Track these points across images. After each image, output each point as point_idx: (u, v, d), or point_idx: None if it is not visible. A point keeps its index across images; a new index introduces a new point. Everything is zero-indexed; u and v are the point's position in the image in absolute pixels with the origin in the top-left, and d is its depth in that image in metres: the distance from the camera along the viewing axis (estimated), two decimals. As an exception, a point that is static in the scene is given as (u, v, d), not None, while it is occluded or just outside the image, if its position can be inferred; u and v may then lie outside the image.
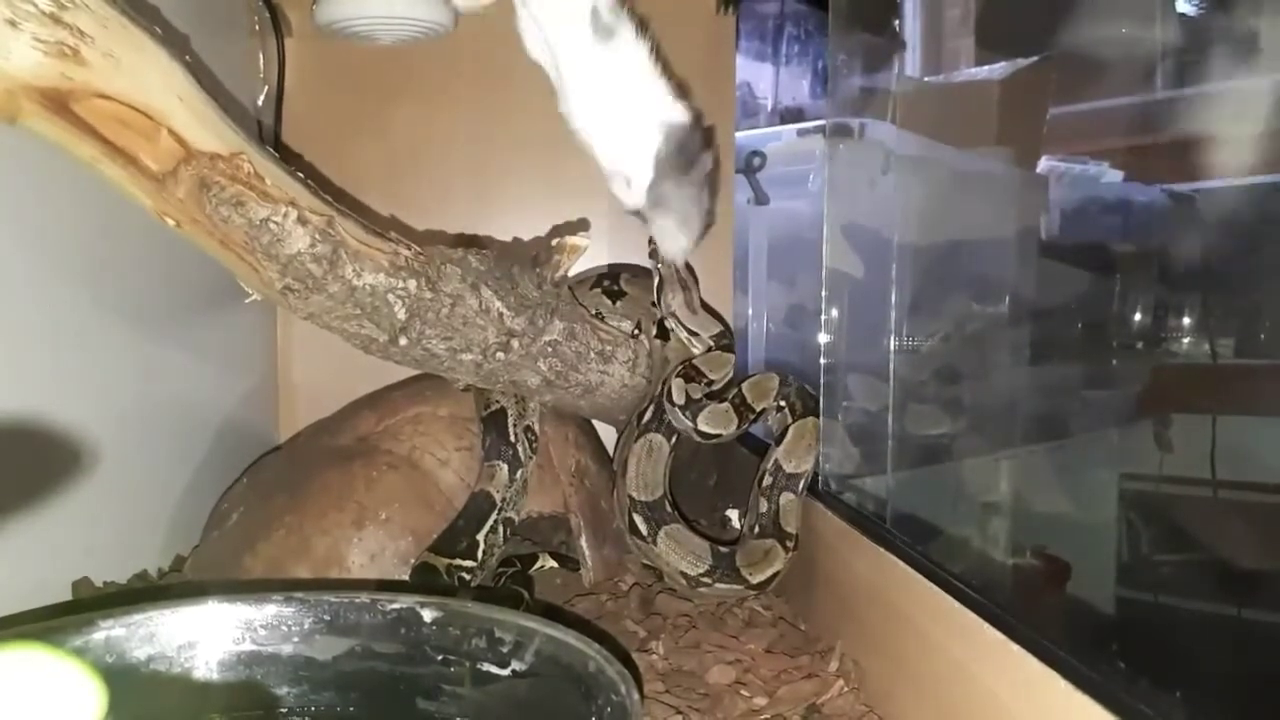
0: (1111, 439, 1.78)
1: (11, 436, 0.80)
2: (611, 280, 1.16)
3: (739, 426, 1.05)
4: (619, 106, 0.69)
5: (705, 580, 0.98)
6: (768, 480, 1.01)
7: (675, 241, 0.73)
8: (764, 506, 1.01)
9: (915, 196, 1.27)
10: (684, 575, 0.98)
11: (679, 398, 1.02)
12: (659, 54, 0.69)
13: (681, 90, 1.38)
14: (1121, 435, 1.79)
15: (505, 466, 1.03)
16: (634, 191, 0.69)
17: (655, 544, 0.99)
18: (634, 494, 1.00)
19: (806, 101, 2.39)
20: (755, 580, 0.98)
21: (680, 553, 0.98)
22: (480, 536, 0.98)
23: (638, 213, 0.72)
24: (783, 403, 1.05)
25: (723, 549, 1.00)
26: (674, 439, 1.04)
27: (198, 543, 1.06)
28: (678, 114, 0.69)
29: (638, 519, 1.00)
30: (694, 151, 0.70)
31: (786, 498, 1.00)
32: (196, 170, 0.73)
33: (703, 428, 1.03)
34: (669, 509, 1.02)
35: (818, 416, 1.03)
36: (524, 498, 1.05)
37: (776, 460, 1.01)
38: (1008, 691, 0.59)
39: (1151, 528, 1.70)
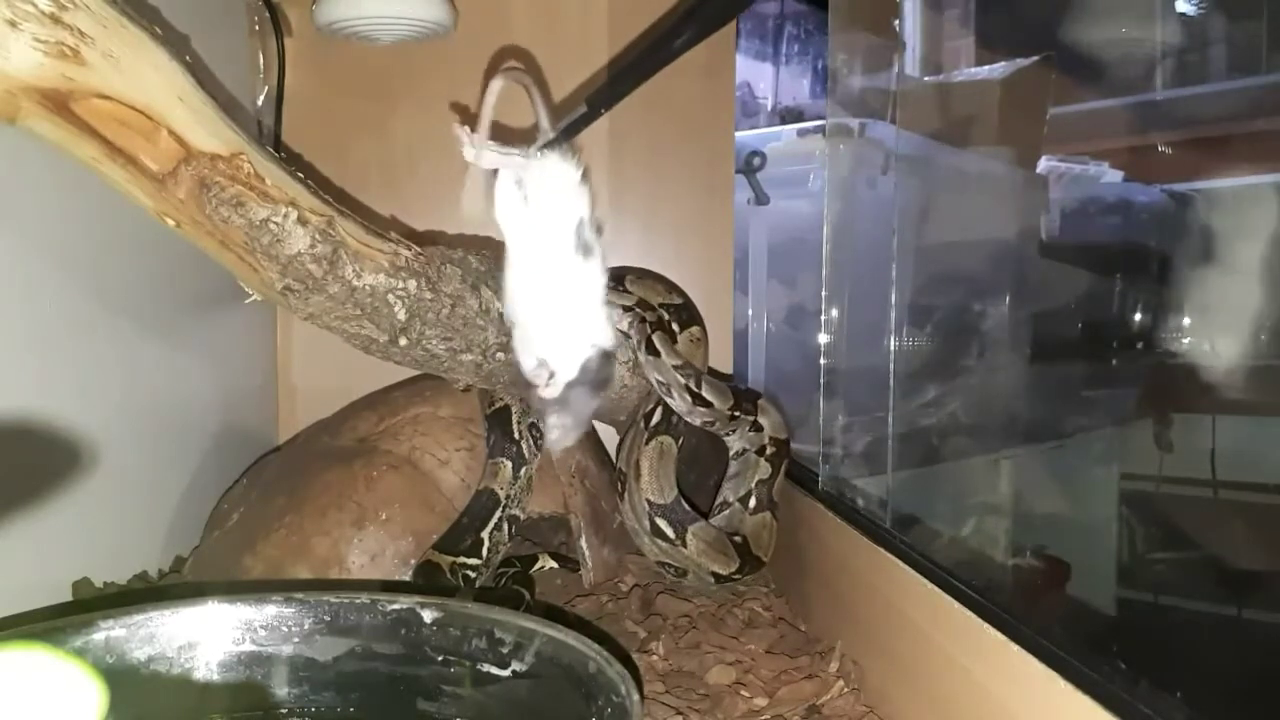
0: (1111, 439, 1.78)
1: (11, 436, 0.80)
2: (616, 282, 1.16)
3: (730, 410, 1.04)
4: (568, 315, 0.76)
5: (735, 577, 1.00)
6: (771, 449, 1.06)
7: (563, 436, 0.79)
8: (765, 474, 1.05)
9: (915, 196, 1.27)
10: (715, 575, 1.00)
11: (671, 357, 1.01)
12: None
13: (682, 90, 1.39)
14: (1121, 435, 1.79)
15: (509, 464, 1.03)
16: (550, 387, 0.76)
17: (686, 545, 0.99)
18: (651, 498, 1.01)
19: (806, 101, 2.39)
20: (767, 559, 1.02)
21: (711, 554, 1.00)
22: (485, 534, 0.98)
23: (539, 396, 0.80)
24: (732, 402, 1.06)
25: (736, 538, 1.02)
26: (680, 440, 1.05)
27: (198, 543, 1.06)
28: (608, 341, 0.77)
29: (661, 522, 1.00)
30: (608, 375, 0.78)
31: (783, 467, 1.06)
32: (196, 170, 0.73)
33: (706, 394, 1.02)
34: (687, 508, 1.02)
35: (764, 400, 1.09)
36: (529, 495, 1.05)
37: (769, 435, 1.06)
38: (1008, 692, 0.59)
39: (1150, 528, 1.70)
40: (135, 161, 0.71)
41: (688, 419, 1.04)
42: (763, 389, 1.13)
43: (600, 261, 0.76)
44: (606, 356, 0.77)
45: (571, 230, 0.75)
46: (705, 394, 1.01)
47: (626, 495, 1.04)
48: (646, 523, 1.01)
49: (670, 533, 0.99)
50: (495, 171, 0.75)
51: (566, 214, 0.75)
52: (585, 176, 0.76)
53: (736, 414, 1.05)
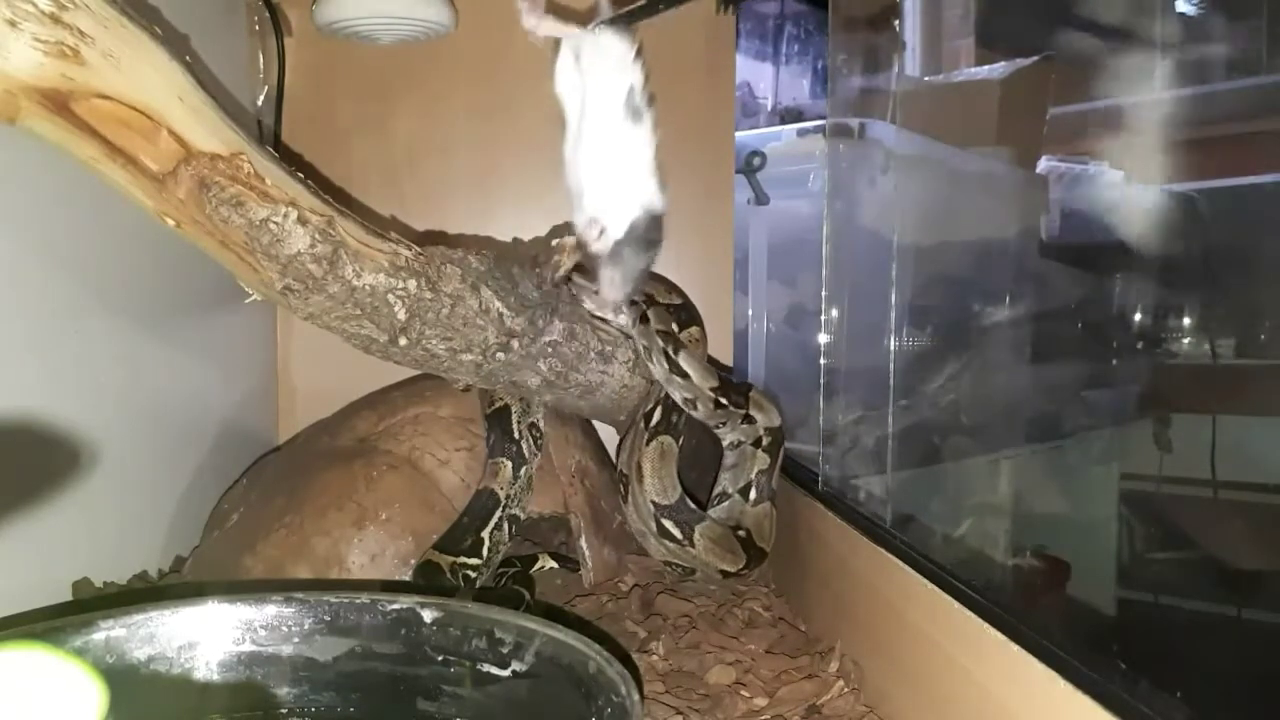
0: (1110, 438, 1.78)
1: (11, 436, 0.80)
2: None
3: (712, 390, 1.03)
4: (620, 176, 0.85)
5: (743, 572, 1.01)
6: (767, 439, 1.05)
7: (612, 291, 0.89)
8: (764, 464, 1.05)
9: (915, 196, 1.27)
10: (723, 573, 1.01)
11: (658, 324, 1.02)
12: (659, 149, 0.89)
13: (681, 92, 1.39)
14: (1120, 435, 1.79)
15: (509, 463, 1.03)
16: (602, 241, 0.85)
17: (694, 545, 1.00)
18: (657, 499, 1.01)
19: (806, 101, 2.38)
20: (769, 548, 1.02)
21: (719, 553, 1.00)
22: (485, 534, 0.98)
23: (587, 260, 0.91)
24: (716, 383, 1.05)
25: (740, 532, 1.02)
26: (680, 440, 1.05)
27: (198, 543, 1.06)
28: (659, 204, 0.87)
29: (667, 524, 1.00)
30: (656, 237, 0.87)
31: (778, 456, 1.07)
32: (196, 170, 0.73)
33: (683, 364, 1.01)
34: (692, 507, 1.03)
35: (756, 392, 1.08)
36: (529, 494, 1.05)
37: (764, 426, 1.06)
38: (1008, 692, 0.59)
39: (1150, 527, 1.70)
40: (135, 161, 0.71)
41: (667, 388, 1.04)
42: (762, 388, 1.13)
43: (650, 128, 0.84)
44: (655, 218, 0.85)
45: (622, 99, 0.82)
46: (682, 364, 1.01)
47: (630, 497, 1.04)
48: (653, 524, 1.01)
49: (678, 533, 1.00)
50: (556, 44, 0.83)
51: (618, 84, 0.82)
52: (639, 52, 0.83)
53: (722, 401, 1.03)
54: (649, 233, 0.85)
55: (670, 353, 1.01)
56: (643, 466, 1.02)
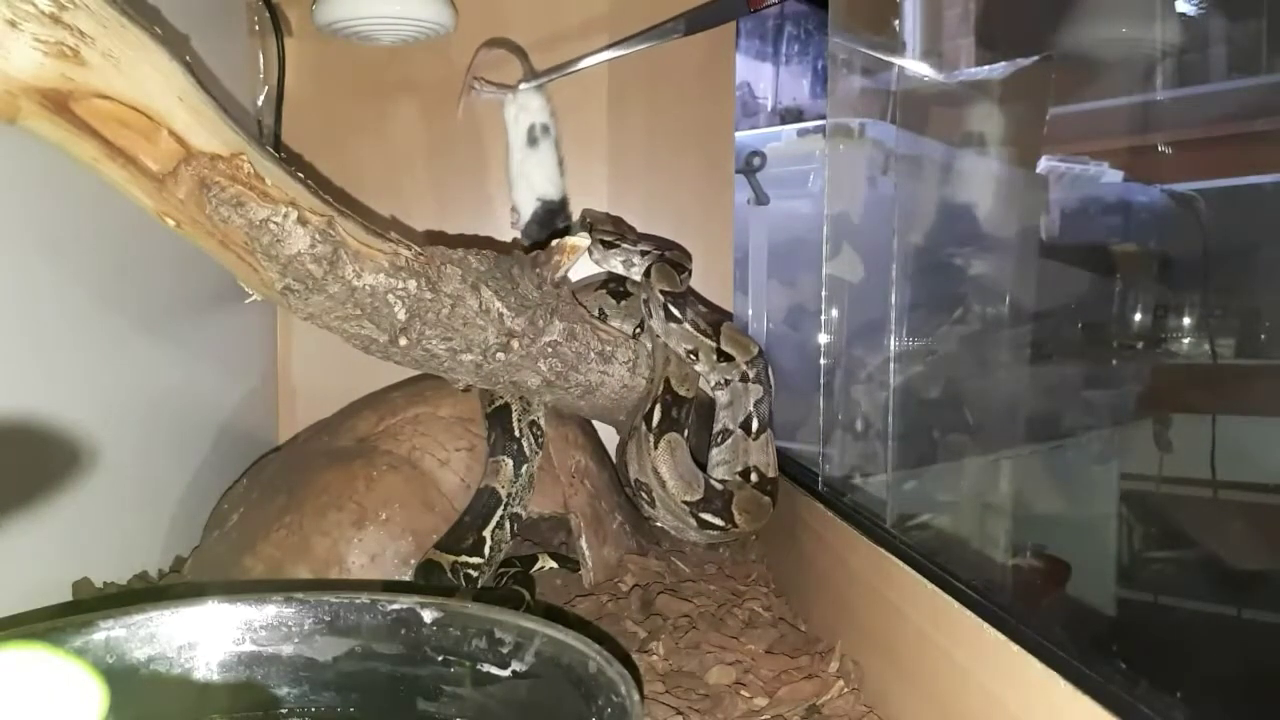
0: (1110, 438, 1.78)
1: (11, 436, 0.80)
2: (617, 280, 1.17)
3: (663, 290, 1.07)
4: (529, 181, 1.30)
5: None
6: (753, 372, 1.08)
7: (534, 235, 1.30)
8: (759, 394, 1.08)
9: (915, 196, 1.27)
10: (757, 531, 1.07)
11: (670, 262, 1.10)
12: (561, 161, 1.32)
13: (684, 95, 1.39)
14: (1120, 435, 1.79)
15: (510, 461, 1.03)
16: (520, 221, 1.31)
17: (736, 524, 1.03)
18: (687, 499, 1.02)
19: (806, 101, 2.38)
20: (777, 475, 1.08)
21: (754, 515, 1.04)
22: (487, 533, 0.98)
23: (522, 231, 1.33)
24: (667, 285, 1.09)
25: (752, 476, 1.06)
26: (686, 432, 1.06)
27: (198, 543, 1.06)
28: (555, 194, 1.31)
29: (706, 516, 1.02)
30: (555, 213, 1.31)
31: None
32: (196, 170, 0.73)
33: (653, 270, 1.09)
34: (718, 487, 1.04)
35: (727, 326, 1.11)
36: (530, 493, 1.05)
37: (743, 360, 1.08)
38: (1008, 692, 0.59)
39: (1150, 527, 1.70)
40: (135, 161, 0.71)
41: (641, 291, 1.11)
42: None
43: (550, 147, 1.30)
44: (550, 209, 1.30)
45: (525, 130, 1.29)
46: (653, 270, 1.08)
47: (658, 503, 1.05)
48: (692, 520, 1.03)
49: (720, 521, 1.02)
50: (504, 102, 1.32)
51: (529, 121, 1.29)
52: (548, 101, 1.31)
53: (674, 310, 1.07)
54: (549, 213, 1.29)
55: (651, 264, 1.09)
56: (660, 471, 1.02)
